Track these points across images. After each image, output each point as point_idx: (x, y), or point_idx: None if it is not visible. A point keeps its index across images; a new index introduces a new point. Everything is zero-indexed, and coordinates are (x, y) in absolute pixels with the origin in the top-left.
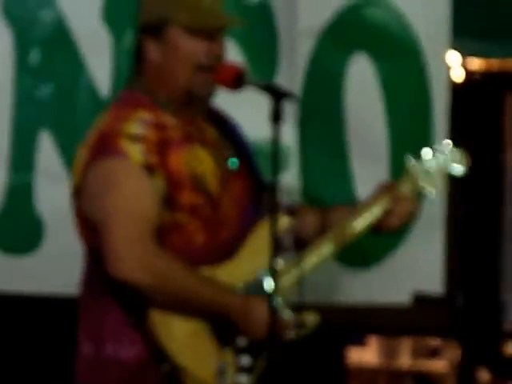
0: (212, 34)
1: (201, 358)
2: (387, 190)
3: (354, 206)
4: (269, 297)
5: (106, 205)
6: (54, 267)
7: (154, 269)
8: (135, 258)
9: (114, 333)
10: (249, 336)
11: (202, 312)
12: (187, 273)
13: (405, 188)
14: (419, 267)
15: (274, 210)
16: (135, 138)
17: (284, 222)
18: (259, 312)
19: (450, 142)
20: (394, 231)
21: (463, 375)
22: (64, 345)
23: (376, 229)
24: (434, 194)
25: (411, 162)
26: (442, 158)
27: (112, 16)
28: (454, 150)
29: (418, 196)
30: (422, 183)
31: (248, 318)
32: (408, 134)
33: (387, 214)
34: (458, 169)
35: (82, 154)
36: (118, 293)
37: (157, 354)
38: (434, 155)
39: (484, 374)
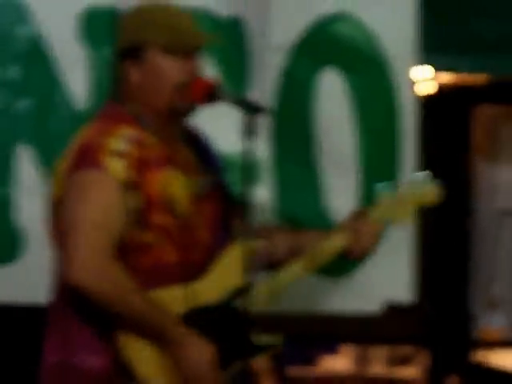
0: (189, 52)
1: (163, 373)
2: (357, 217)
3: (325, 231)
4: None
5: (74, 214)
6: (32, 278)
7: (107, 280)
8: (91, 268)
9: (80, 343)
10: (182, 371)
11: (142, 332)
12: (137, 292)
13: (374, 216)
14: (390, 277)
15: (245, 230)
16: (118, 154)
17: (255, 243)
18: (197, 353)
19: (426, 173)
20: (359, 259)
21: (434, 382)
22: (36, 353)
23: (343, 256)
24: (405, 224)
25: (384, 191)
26: (416, 190)
27: (87, 32)
28: (429, 182)
29: (389, 224)
30: (391, 213)
31: (184, 356)
32: (377, 145)
33: (355, 241)
34: (432, 201)
35: (62, 166)
36: (80, 303)
37: (122, 368)
38: (408, 186)
39: (453, 381)
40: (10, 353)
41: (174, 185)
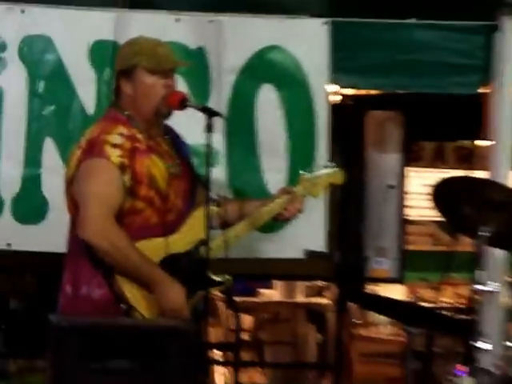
0: (167, 73)
1: (146, 303)
2: (286, 192)
3: (263, 200)
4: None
5: (85, 189)
6: (53, 233)
7: (109, 237)
8: (97, 228)
9: (87, 279)
10: (161, 305)
11: (138, 278)
12: (133, 248)
13: (298, 192)
14: (309, 233)
15: (207, 200)
16: (115, 146)
17: (213, 209)
18: (173, 293)
19: (333, 163)
20: (287, 221)
21: (340, 307)
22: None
23: (275, 218)
24: (318, 198)
25: (304, 174)
26: (326, 173)
27: (95, 58)
28: (335, 167)
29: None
30: (310, 190)
31: (164, 297)
32: (300, 140)
33: (284, 209)
34: (337, 182)
35: (75, 154)
36: (88, 252)
37: (118, 297)
38: (320, 170)
39: (353, 306)
40: (41, 285)
41: (156, 167)
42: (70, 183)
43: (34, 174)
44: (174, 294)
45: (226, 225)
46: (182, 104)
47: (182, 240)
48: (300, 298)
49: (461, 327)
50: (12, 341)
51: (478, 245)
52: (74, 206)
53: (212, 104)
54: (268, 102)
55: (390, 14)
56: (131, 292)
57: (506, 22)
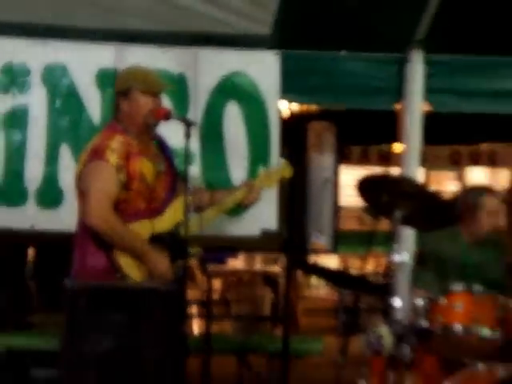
0: (156, 94)
1: (136, 271)
2: (247, 184)
3: (229, 191)
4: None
5: (90, 184)
6: (67, 216)
7: (108, 222)
8: (99, 214)
9: (91, 253)
10: (150, 272)
11: (131, 253)
12: (127, 229)
13: (256, 184)
14: (265, 215)
15: (185, 190)
16: (114, 151)
17: (190, 198)
18: (159, 263)
19: (283, 159)
20: (247, 206)
21: (288, 274)
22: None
23: (239, 205)
24: (271, 189)
25: (260, 170)
26: (277, 169)
27: (100, 81)
28: (285, 163)
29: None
30: (265, 182)
31: (152, 266)
32: (258, 144)
33: (245, 197)
34: (287, 176)
35: (83, 156)
36: (92, 233)
37: (115, 267)
38: (273, 167)
39: (299, 273)
40: (56, 258)
41: (145, 167)
42: (79, 179)
43: (53, 171)
44: (160, 262)
45: (200, 210)
46: (167, 117)
47: (165, 222)
48: (258, 267)
49: (380, 288)
50: (36, 299)
51: (393, 225)
52: (81, 196)
53: (190, 116)
54: (233, 115)
55: (327, 46)
56: (125, 263)
57: (413, 54)
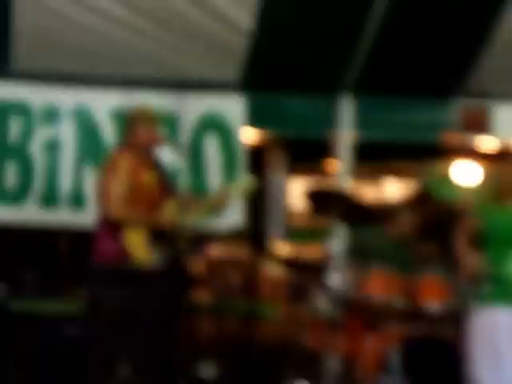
0: (154, 125)
1: (140, 250)
2: (220, 193)
3: (207, 197)
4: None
5: (107, 188)
6: (89, 213)
7: (119, 213)
8: (113, 211)
9: (104, 239)
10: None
11: (134, 224)
12: (129, 214)
13: (227, 193)
14: (234, 216)
15: (174, 195)
16: (124, 164)
17: (178, 201)
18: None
19: (249, 175)
20: (221, 209)
21: (252, 258)
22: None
23: (215, 208)
24: (239, 197)
25: (231, 183)
26: (243, 182)
27: (115, 117)
28: (250, 178)
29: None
30: (234, 192)
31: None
32: (228, 162)
33: (219, 202)
34: (251, 187)
35: (102, 170)
36: (106, 224)
37: (124, 249)
38: (241, 181)
39: (259, 256)
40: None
41: (145, 176)
42: (99, 185)
43: (79, 182)
44: (162, 218)
45: (186, 211)
46: (160, 143)
47: (162, 214)
48: (235, 254)
49: (321, 269)
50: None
51: (330, 222)
52: (100, 195)
53: (179, 142)
54: (210, 141)
55: (279, 88)
56: (132, 244)
57: (343, 96)
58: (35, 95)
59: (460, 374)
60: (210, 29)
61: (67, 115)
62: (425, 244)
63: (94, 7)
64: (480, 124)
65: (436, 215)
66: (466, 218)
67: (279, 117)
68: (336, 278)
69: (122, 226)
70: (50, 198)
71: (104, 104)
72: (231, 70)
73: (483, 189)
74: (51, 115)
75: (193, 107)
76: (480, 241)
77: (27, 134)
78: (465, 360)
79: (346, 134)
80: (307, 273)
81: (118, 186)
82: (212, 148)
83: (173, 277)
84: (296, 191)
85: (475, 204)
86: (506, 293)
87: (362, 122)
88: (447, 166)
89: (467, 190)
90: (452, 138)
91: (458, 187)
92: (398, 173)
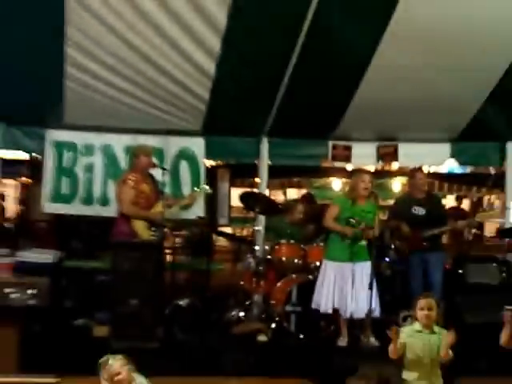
0: (150, 155)
1: (144, 232)
2: (190, 195)
3: (182, 198)
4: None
5: (121, 196)
6: (113, 210)
7: (129, 210)
8: (126, 207)
9: (120, 225)
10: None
11: (139, 218)
12: (135, 210)
13: (194, 195)
14: (198, 209)
15: (162, 199)
16: (131, 180)
17: (165, 201)
18: (152, 214)
19: (206, 185)
20: (191, 205)
21: (209, 235)
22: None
23: (187, 205)
24: (200, 198)
25: (196, 189)
26: (203, 189)
27: (126, 151)
28: (207, 187)
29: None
30: (198, 195)
31: (150, 216)
32: (194, 178)
33: (189, 201)
34: (208, 192)
35: (118, 183)
36: (121, 215)
37: (133, 230)
38: (201, 188)
39: (216, 237)
40: (108, 226)
41: (145, 187)
42: (117, 193)
43: (104, 190)
44: (152, 214)
45: (169, 207)
46: (154, 166)
47: (154, 210)
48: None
49: (249, 242)
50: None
51: (255, 214)
52: (117, 199)
53: (166, 166)
54: (183, 165)
55: (227, 133)
56: (138, 228)
57: (263, 138)
58: (79, 138)
59: None
60: (184, 99)
61: (97, 150)
62: (310, 226)
63: (111, 82)
64: (345, 156)
65: (316, 209)
66: (332, 206)
67: (225, 150)
68: (259, 247)
69: (130, 217)
70: (87, 199)
71: (120, 143)
72: (196, 123)
73: (343, 191)
74: (88, 150)
75: (173, 145)
76: (338, 219)
77: (74, 160)
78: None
79: (264, 161)
80: (242, 243)
81: (128, 193)
82: (184, 169)
83: (161, 247)
84: (235, 195)
85: (338, 199)
86: (346, 253)
87: (274, 154)
88: (324, 180)
89: (336, 193)
90: (326, 163)
91: (330, 192)
92: (294, 184)
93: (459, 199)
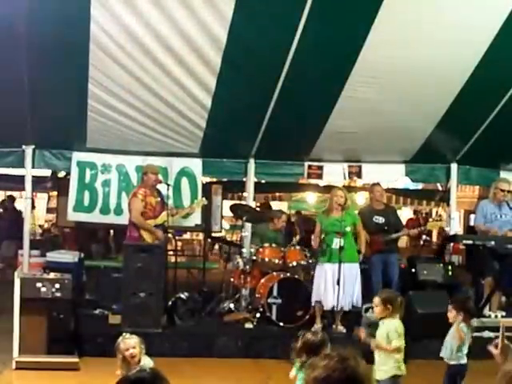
0: (157, 173)
1: (150, 238)
2: (190, 206)
3: (183, 208)
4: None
5: (132, 206)
6: (125, 218)
7: (139, 220)
8: (136, 217)
9: (133, 230)
10: (156, 236)
11: (146, 230)
12: (145, 222)
13: (193, 206)
14: (196, 217)
15: (167, 209)
16: (140, 193)
17: (169, 212)
18: (157, 232)
19: (203, 198)
20: (191, 214)
21: (205, 241)
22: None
23: (187, 214)
24: (199, 208)
25: (195, 201)
26: (200, 200)
27: (137, 170)
28: (203, 200)
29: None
30: (196, 205)
31: (155, 233)
32: (192, 192)
33: (189, 211)
34: (204, 204)
35: (130, 196)
36: (132, 223)
37: (141, 236)
38: (199, 200)
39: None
40: (122, 232)
41: (153, 200)
42: (129, 204)
43: (119, 202)
44: (157, 232)
45: (172, 216)
46: (160, 182)
47: (159, 221)
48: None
49: (237, 245)
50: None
51: (242, 222)
52: (129, 210)
53: (170, 182)
54: (184, 182)
55: (220, 156)
56: (145, 235)
57: (250, 159)
58: (98, 159)
59: (306, 294)
60: (185, 127)
61: (114, 168)
62: (291, 232)
63: (125, 113)
64: (318, 174)
65: (297, 218)
66: (316, 225)
67: (218, 169)
68: (246, 250)
69: (140, 225)
70: (105, 210)
71: (132, 163)
72: (195, 147)
73: (321, 206)
74: (106, 168)
75: (175, 164)
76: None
77: (94, 177)
78: (309, 289)
79: (251, 179)
80: (232, 246)
81: (138, 205)
82: (185, 185)
83: (165, 249)
84: (226, 206)
85: (318, 216)
86: (331, 257)
87: (259, 172)
88: (301, 194)
89: (310, 204)
90: (302, 180)
91: (305, 204)
92: (277, 198)
93: (416, 213)
